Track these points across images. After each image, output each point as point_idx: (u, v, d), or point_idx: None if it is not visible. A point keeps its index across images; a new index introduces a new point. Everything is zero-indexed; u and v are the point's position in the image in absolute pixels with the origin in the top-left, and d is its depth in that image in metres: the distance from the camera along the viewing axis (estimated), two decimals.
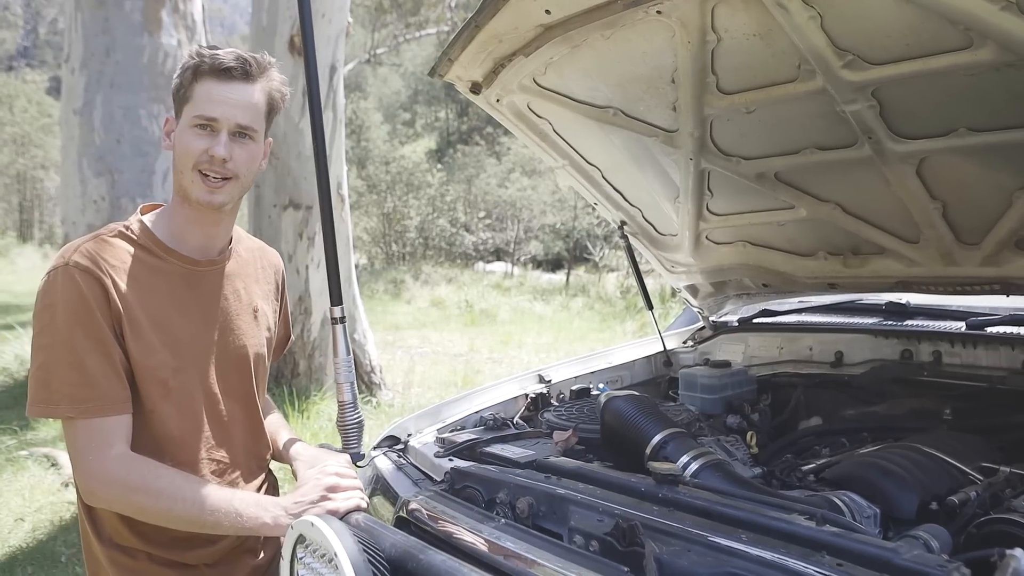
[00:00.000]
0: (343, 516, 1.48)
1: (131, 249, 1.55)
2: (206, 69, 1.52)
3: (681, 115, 2.06)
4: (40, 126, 40.71)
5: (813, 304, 2.86)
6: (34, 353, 1.49)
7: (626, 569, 1.19)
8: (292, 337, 1.99)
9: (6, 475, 5.19)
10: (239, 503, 1.49)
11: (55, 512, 4.62)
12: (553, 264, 27.26)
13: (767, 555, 1.14)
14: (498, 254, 26.98)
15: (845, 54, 1.64)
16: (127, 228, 1.58)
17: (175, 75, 1.56)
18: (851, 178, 2.04)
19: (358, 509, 1.52)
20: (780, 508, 1.31)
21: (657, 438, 1.69)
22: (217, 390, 1.64)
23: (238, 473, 1.68)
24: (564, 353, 9.84)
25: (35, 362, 1.48)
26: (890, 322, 2.48)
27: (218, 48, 1.56)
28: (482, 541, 1.34)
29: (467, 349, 10.54)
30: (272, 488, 1.86)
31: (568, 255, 24.50)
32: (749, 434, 2.15)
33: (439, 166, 29.70)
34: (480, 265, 25.20)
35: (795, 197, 2.21)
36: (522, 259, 26.29)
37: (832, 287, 2.47)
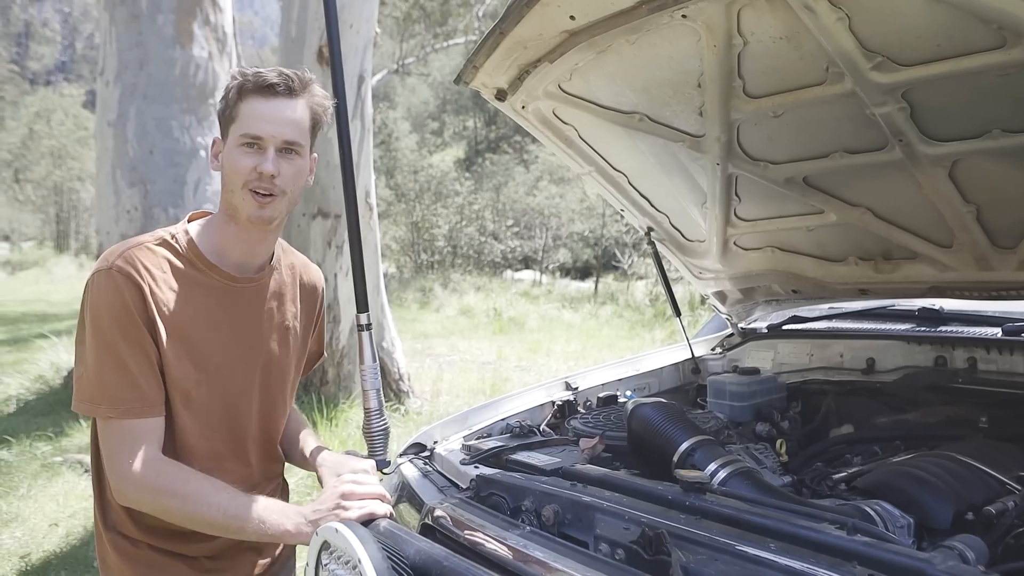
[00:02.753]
0: (368, 523, 1.48)
1: (173, 259, 1.58)
2: (250, 87, 1.54)
3: (708, 120, 2.05)
4: (76, 139, 41.57)
5: (843, 310, 2.82)
6: (78, 353, 1.53)
7: None
8: (324, 355, 2.00)
9: (41, 481, 5.27)
10: (263, 511, 1.50)
11: (88, 518, 4.67)
12: (581, 272, 27.20)
13: (796, 565, 1.12)
14: (526, 262, 26.96)
15: (874, 56, 1.61)
16: (173, 237, 1.61)
17: (220, 98, 1.59)
18: (882, 182, 2.01)
19: (372, 517, 1.50)
20: (810, 517, 1.29)
21: (685, 445, 1.67)
22: (237, 405, 1.67)
23: (246, 486, 1.67)
24: (592, 361, 9.80)
25: (80, 362, 1.53)
26: (923, 328, 2.44)
27: (260, 68, 1.58)
28: (507, 549, 1.33)
29: (495, 357, 10.53)
30: (282, 496, 1.89)
31: (596, 263, 24.45)
32: (779, 442, 2.13)
33: (467, 175, 29.81)
34: (508, 273, 25.19)
35: (824, 202, 2.18)
36: (550, 267, 26.25)
37: (863, 293, 2.43)
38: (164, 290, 1.53)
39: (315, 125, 1.64)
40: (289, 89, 1.56)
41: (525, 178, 30.96)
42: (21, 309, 16.75)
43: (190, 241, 1.61)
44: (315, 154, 1.70)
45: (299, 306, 1.81)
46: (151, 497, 1.50)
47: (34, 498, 4.99)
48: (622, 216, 2.69)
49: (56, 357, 8.13)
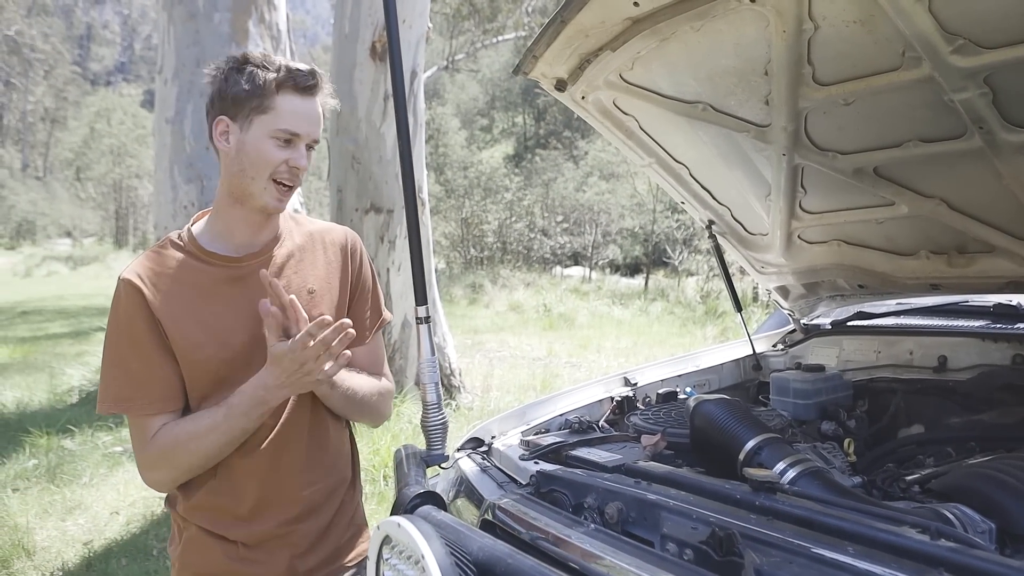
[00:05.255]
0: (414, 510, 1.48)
1: (179, 256, 1.65)
2: (291, 84, 1.59)
3: (774, 109, 1.98)
4: (135, 137, 42.70)
5: (912, 306, 2.73)
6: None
7: None
8: (387, 317, 1.94)
9: (102, 470, 5.40)
10: (237, 406, 1.57)
11: (147, 507, 4.77)
12: (631, 268, 27.05)
13: (877, 570, 1.06)
14: (576, 258, 26.90)
15: (955, 38, 1.54)
16: (178, 236, 1.69)
17: (238, 79, 1.58)
18: (958, 172, 1.92)
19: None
20: (889, 520, 1.23)
21: (751, 443, 1.62)
22: None
23: (285, 444, 1.71)
24: (643, 358, 9.71)
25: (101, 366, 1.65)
26: (999, 325, 2.34)
27: (285, 60, 1.61)
28: (572, 546, 1.30)
29: (545, 353, 10.50)
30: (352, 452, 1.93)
31: (646, 259, 24.24)
32: (847, 441, 2.06)
33: (517, 171, 29.83)
34: (558, 269, 25.17)
35: (896, 193, 2.10)
36: (600, 263, 26.14)
37: (935, 288, 2.34)
38: (172, 286, 1.61)
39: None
40: (319, 88, 1.63)
41: (574, 174, 30.90)
42: (82, 303, 17.25)
43: (191, 237, 1.68)
44: None
45: (324, 267, 1.80)
46: (167, 463, 1.60)
47: (96, 487, 5.11)
48: (673, 213, 2.64)
49: None
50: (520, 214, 25.57)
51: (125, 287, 1.58)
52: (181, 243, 1.67)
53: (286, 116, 1.59)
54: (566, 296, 17.10)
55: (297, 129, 1.59)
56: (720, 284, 17.84)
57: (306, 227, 1.84)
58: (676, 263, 21.43)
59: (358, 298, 1.86)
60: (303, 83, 1.59)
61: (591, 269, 25.25)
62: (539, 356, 10.30)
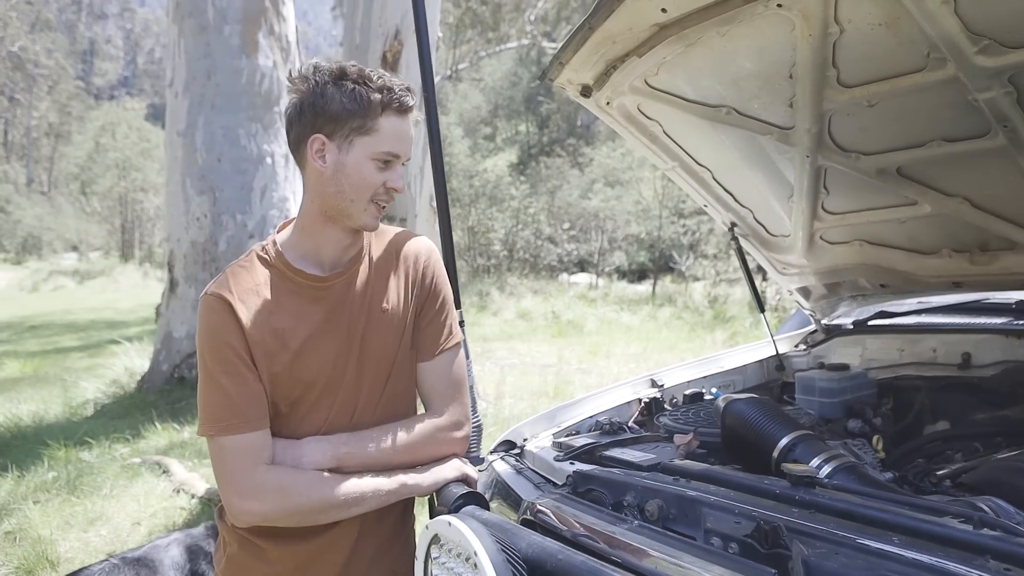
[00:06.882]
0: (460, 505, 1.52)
1: (265, 271, 1.60)
2: (395, 106, 1.54)
3: (798, 111, 2.01)
4: (140, 150, 42.87)
5: (934, 304, 2.75)
6: None
7: (773, 571, 1.15)
8: (457, 337, 1.82)
9: (122, 481, 5.41)
10: (375, 477, 1.57)
11: (168, 517, 4.79)
12: (638, 274, 27.03)
13: (924, 558, 1.09)
14: (582, 265, 26.91)
15: (980, 39, 1.57)
16: (263, 249, 1.63)
17: (337, 96, 1.51)
18: (982, 170, 1.95)
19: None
20: (930, 511, 1.25)
21: (785, 440, 1.64)
22: (346, 397, 1.64)
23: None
24: (654, 363, 9.72)
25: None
26: (1022, 321, 2.36)
27: (380, 75, 1.55)
28: (619, 542, 1.33)
29: (556, 360, 10.50)
30: None
31: (653, 265, 24.24)
32: (875, 438, 2.08)
33: (522, 178, 29.88)
34: (565, 276, 25.17)
35: (919, 192, 2.12)
36: (607, 270, 26.15)
37: (957, 286, 2.37)
38: (259, 303, 1.55)
39: None
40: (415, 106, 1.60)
41: (580, 181, 30.92)
42: (91, 316, 17.29)
43: (278, 251, 1.62)
44: None
45: (395, 283, 1.71)
46: (278, 503, 1.50)
47: (117, 498, 5.13)
48: (701, 211, 2.67)
49: (130, 362, 8.36)
50: (526, 222, 25.60)
51: (216, 302, 1.53)
52: (268, 258, 1.61)
53: (389, 138, 1.54)
54: (574, 303, 17.10)
55: (398, 151, 1.55)
56: (727, 289, 17.88)
57: (385, 237, 1.76)
58: (683, 268, 21.44)
59: (424, 313, 1.74)
60: (407, 104, 1.55)
61: (598, 276, 25.26)
62: (550, 363, 10.31)
